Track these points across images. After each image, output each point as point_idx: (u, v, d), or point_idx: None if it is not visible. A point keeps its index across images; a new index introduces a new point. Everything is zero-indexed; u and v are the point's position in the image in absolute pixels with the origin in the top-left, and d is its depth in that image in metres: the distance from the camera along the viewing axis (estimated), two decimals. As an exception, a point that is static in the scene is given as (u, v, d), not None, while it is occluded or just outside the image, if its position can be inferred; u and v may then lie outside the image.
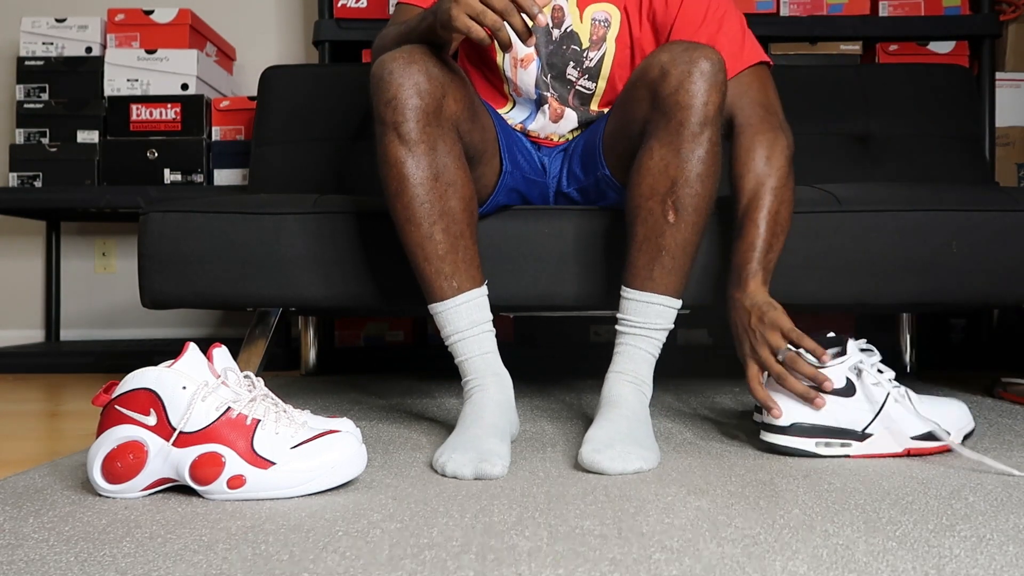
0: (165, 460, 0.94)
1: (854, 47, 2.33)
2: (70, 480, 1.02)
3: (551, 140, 1.48)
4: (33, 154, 2.34)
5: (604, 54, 1.41)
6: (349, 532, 0.81)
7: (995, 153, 2.27)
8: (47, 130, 2.37)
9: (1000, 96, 2.30)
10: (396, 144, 1.16)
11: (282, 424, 0.97)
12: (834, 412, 1.12)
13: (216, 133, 2.37)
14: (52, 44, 2.40)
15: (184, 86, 2.37)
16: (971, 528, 0.81)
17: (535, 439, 1.25)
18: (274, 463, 0.94)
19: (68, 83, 2.38)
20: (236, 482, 0.93)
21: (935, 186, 1.63)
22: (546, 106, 1.45)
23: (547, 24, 1.12)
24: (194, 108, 2.36)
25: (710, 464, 1.09)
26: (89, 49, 2.40)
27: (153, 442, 0.94)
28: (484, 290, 1.23)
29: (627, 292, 1.21)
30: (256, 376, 1.03)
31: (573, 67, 1.42)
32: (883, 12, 2.32)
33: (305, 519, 0.85)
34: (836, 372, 1.13)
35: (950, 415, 1.17)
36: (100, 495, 0.95)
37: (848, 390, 1.13)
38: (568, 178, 1.47)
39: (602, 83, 1.43)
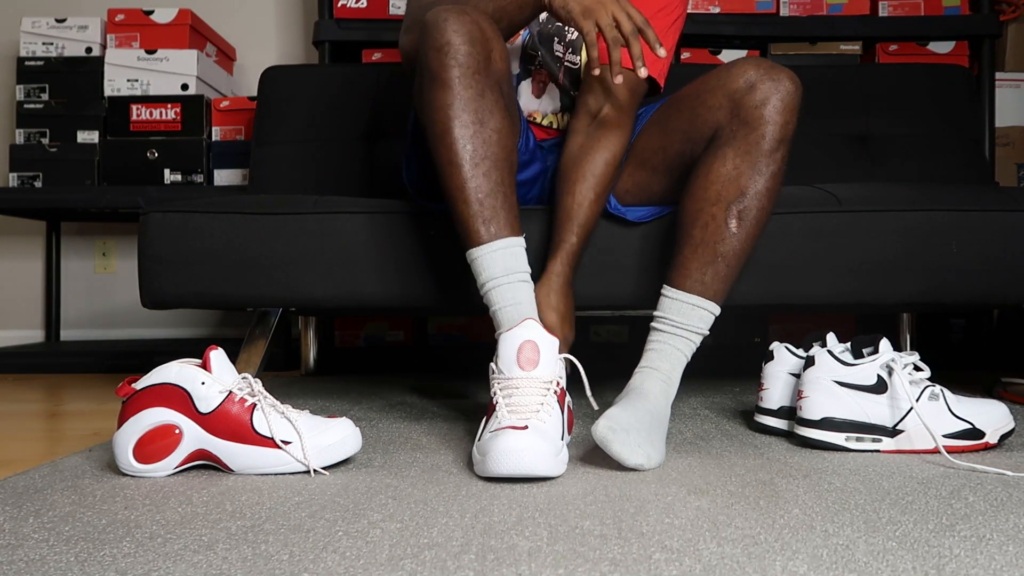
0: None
1: (854, 47, 2.33)
2: (70, 480, 1.02)
3: (534, 120, 1.48)
4: (33, 154, 2.34)
5: None
6: (349, 532, 0.81)
7: (995, 153, 2.27)
8: (47, 130, 2.37)
9: (1000, 96, 2.31)
10: (445, 88, 1.16)
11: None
12: (864, 408, 1.15)
13: (216, 133, 2.37)
14: (52, 44, 2.40)
15: (184, 86, 2.37)
16: (971, 528, 0.81)
17: (535, 439, 1.25)
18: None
19: (68, 83, 2.38)
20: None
21: (935, 186, 1.63)
22: (530, 79, 1.47)
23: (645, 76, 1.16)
24: (194, 108, 2.36)
25: (710, 464, 1.09)
26: (89, 49, 2.40)
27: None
28: (522, 241, 1.20)
29: (672, 292, 1.22)
30: (255, 377, 1.03)
31: (558, 42, 1.46)
32: (883, 12, 2.32)
33: (305, 519, 0.85)
34: (867, 370, 1.16)
35: (988, 415, 1.18)
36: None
37: (879, 387, 1.15)
38: None
39: (583, 56, 1.46)
